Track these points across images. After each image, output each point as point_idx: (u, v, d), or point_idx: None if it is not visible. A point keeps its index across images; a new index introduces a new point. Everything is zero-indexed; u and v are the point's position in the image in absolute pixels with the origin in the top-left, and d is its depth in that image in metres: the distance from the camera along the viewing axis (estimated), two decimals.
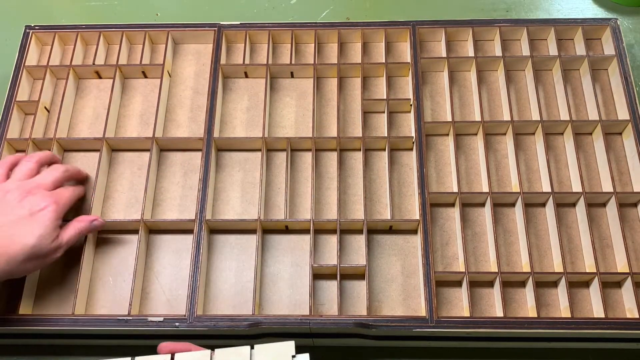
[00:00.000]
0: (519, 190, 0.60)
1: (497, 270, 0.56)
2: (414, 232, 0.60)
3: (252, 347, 0.45)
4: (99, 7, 0.80)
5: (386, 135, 0.63)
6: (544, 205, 0.61)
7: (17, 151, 0.65)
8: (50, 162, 0.60)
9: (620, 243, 0.57)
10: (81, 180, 0.62)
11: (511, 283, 0.58)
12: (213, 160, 0.63)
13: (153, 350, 0.58)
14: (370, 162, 0.64)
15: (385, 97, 0.65)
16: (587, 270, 0.58)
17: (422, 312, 0.55)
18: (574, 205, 0.61)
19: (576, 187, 0.61)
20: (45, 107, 0.67)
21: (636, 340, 0.55)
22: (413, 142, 0.63)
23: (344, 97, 0.68)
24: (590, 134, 0.64)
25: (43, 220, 0.51)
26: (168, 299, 0.58)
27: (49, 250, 0.51)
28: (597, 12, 0.77)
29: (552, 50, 0.68)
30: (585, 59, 0.66)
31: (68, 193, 0.56)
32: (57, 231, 0.53)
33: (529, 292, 0.57)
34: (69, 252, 0.57)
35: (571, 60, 0.67)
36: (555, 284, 0.58)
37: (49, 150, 0.63)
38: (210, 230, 0.60)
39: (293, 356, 0.44)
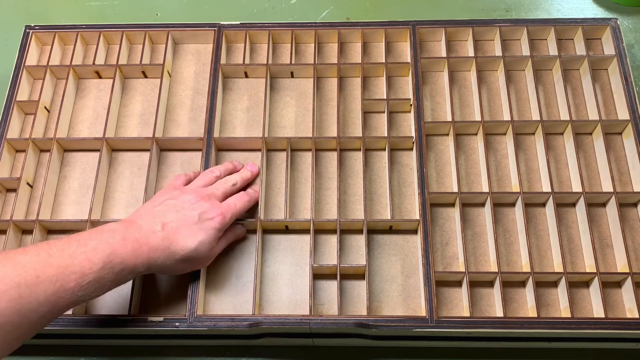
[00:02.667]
0: (519, 190, 0.60)
1: (497, 270, 0.56)
2: (414, 232, 0.60)
3: None
4: (99, 7, 0.80)
5: (386, 135, 0.63)
6: (544, 205, 0.61)
7: (17, 151, 0.65)
8: (230, 173, 0.61)
9: (620, 243, 0.57)
10: (252, 180, 0.62)
11: (511, 283, 0.58)
12: (213, 160, 0.63)
13: (153, 350, 0.58)
14: (370, 162, 0.64)
15: (385, 97, 0.65)
16: (587, 270, 0.58)
17: (422, 312, 0.55)
18: (574, 205, 0.61)
19: (576, 187, 0.61)
20: (45, 107, 0.67)
21: (636, 340, 0.55)
22: (413, 142, 0.63)
23: (344, 97, 0.68)
24: (590, 134, 0.64)
25: (208, 228, 0.53)
26: (168, 298, 0.58)
27: (204, 256, 0.53)
28: (597, 12, 0.77)
29: (552, 50, 0.68)
30: (585, 59, 0.66)
31: (238, 206, 0.56)
32: (216, 242, 0.54)
33: (529, 292, 0.57)
34: None
35: (571, 60, 0.67)
36: (555, 284, 0.58)
37: (49, 150, 0.63)
38: None
39: None
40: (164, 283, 0.59)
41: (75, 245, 0.45)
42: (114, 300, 0.58)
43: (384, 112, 0.66)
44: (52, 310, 0.43)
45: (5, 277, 0.41)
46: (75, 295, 0.44)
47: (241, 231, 0.59)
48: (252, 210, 0.61)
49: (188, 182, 0.59)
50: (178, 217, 0.52)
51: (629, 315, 0.56)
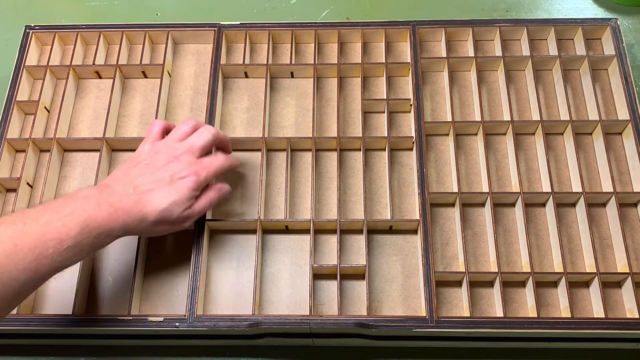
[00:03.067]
0: (519, 190, 0.60)
1: (497, 270, 0.56)
2: (414, 232, 0.60)
3: None
4: (99, 7, 0.80)
5: (386, 135, 0.63)
6: (544, 205, 0.61)
7: (17, 151, 0.65)
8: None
9: (620, 243, 0.57)
10: (228, 150, 0.61)
11: (511, 283, 0.58)
12: None
13: (153, 350, 0.58)
14: (370, 162, 0.64)
15: (385, 97, 0.65)
16: (587, 270, 0.58)
17: (422, 312, 0.55)
18: (574, 205, 0.61)
19: (576, 187, 0.61)
20: (45, 107, 0.67)
21: (636, 340, 0.55)
22: (413, 142, 0.63)
23: (344, 97, 0.68)
24: (590, 134, 0.64)
25: (180, 188, 0.52)
26: (168, 298, 0.58)
27: (179, 217, 0.52)
28: (597, 12, 0.77)
29: (552, 50, 0.68)
30: (585, 59, 0.66)
31: (214, 165, 0.55)
32: (192, 201, 0.53)
33: (529, 292, 0.57)
34: None
35: (571, 60, 0.67)
36: (555, 284, 0.58)
37: (49, 150, 0.63)
38: (211, 230, 0.60)
39: None
40: (164, 283, 0.59)
41: (50, 212, 0.45)
42: (114, 300, 0.58)
43: (384, 112, 0.66)
44: (34, 278, 0.43)
45: None
46: (54, 261, 0.44)
47: (226, 190, 0.58)
48: (252, 210, 0.61)
49: (166, 130, 0.58)
50: (151, 179, 0.52)
51: (629, 315, 0.56)
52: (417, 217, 0.59)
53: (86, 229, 0.46)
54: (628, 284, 0.56)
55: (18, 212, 0.45)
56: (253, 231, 0.60)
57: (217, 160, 0.56)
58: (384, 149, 0.64)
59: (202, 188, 0.55)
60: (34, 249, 0.43)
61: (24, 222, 0.44)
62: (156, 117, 0.64)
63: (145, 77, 0.70)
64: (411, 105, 0.65)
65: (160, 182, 0.52)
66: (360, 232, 0.60)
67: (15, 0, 0.81)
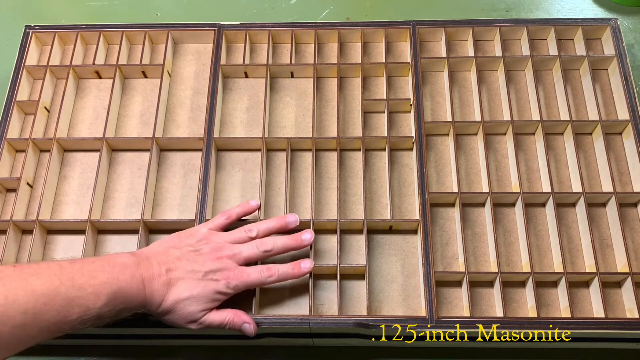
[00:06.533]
0: (519, 190, 0.60)
1: (497, 270, 0.56)
2: (414, 232, 0.60)
3: None
4: (99, 7, 0.80)
5: (386, 135, 0.63)
6: (544, 205, 0.61)
7: (17, 151, 0.65)
8: (277, 231, 0.57)
9: (620, 243, 0.57)
10: (297, 247, 0.57)
11: (511, 283, 0.58)
12: (213, 160, 0.63)
13: (153, 350, 0.58)
14: (370, 162, 0.64)
15: (385, 97, 0.65)
16: (587, 270, 0.58)
17: (422, 312, 0.55)
18: (574, 205, 0.61)
19: (576, 187, 0.61)
20: (45, 107, 0.67)
21: (636, 340, 0.55)
22: (413, 142, 0.63)
23: (344, 97, 0.68)
24: (590, 134, 0.64)
25: (207, 287, 0.51)
26: None
27: (190, 313, 0.51)
28: (597, 12, 0.77)
29: (552, 50, 0.68)
30: (585, 59, 0.66)
31: (251, 278, 0.53)
32: (212, 304, 0.52)
33: (529, 292, 0.57)
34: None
35: (571, 60, 0.67)
36: (555, 284, 0.58)
37: (49, 150, 0.63)
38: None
39: None
40: None
41: (87, 275, 0.46)
42: None
43: (384, 112, 0.66)
44: (47, 338, 0.44)
45: (15, 302, 0.41)
46: (74, 327, 0.45)
47: (249, 329, 0.53)
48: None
49: (227, 223, 0.57)
50: (185, 269, 0.51)
51: (629, 315, 0.56)
52: (417, 217, 0.59)
53: (112, 302, 0.46)
54: (628, 284, 0.56)
55: (58, 266, 0.45)
56: None
57: (260, 275, 0.53)
58: (384, 149, 0.64)
59: (228, 297, 0.53)
60: (59, 311, 0.43)
61: (60, 280, 0.44)
62: (156, 117, 0.64)
63: (145, 77, 0.70)
64: (411, 105, 0.65)
65: (194, 275, 0.51)
66: (360, 232, 0.60)
67: (15, 0, 0.81)
